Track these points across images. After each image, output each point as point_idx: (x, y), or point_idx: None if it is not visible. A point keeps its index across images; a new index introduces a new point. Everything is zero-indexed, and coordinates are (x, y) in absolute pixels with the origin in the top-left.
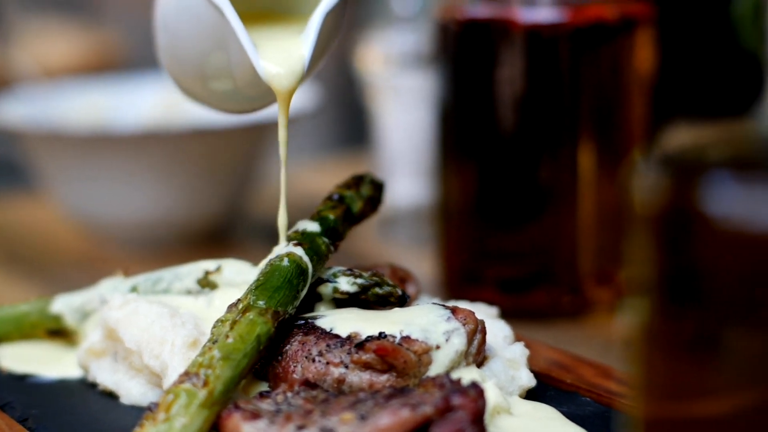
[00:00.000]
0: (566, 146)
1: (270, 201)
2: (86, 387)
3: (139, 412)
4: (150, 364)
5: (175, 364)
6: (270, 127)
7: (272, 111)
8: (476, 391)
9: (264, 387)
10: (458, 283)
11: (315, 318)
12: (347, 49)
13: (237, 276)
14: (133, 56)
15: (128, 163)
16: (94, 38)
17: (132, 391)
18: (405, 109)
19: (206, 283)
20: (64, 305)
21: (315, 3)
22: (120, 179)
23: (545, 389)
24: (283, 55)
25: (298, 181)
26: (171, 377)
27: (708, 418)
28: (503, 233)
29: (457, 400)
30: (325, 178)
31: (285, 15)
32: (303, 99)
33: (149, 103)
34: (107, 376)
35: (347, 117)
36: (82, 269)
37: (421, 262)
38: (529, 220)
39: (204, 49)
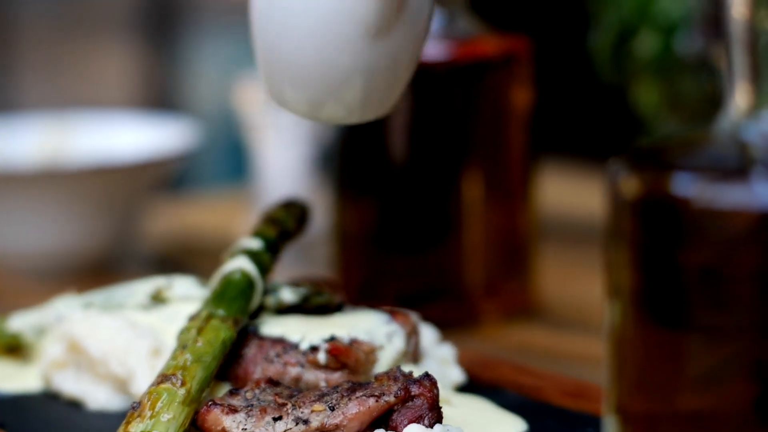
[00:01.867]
0: (454, 177)
1: (155, 233)
2: (49, 398)
3: (105, 416)
4: (117, 371)
5: (142, 370)
6: (153, 166)
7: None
8: (431, 381)
9: (227, 387)
10: (357, 300)
11: (266, 326)
12: (227, 90)
13: (187, 291)
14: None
15: (23, 201)
16: None
17: (98, 397)
18: (284, 145)
19: (158, 298)
20: (22, 323)
21: None
22: (14, 215)
23: (473, 385)
24: None
25: (181, 215)
26: (138, 382)
27: (687, 413)
28: (400, 257)
29: (415, 389)
30: (208, 212)
31: None
32: (184, 137)
33: (34, 143)
34: (71, 385)
35: (227, 154)
36: None
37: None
38: (424, 245)
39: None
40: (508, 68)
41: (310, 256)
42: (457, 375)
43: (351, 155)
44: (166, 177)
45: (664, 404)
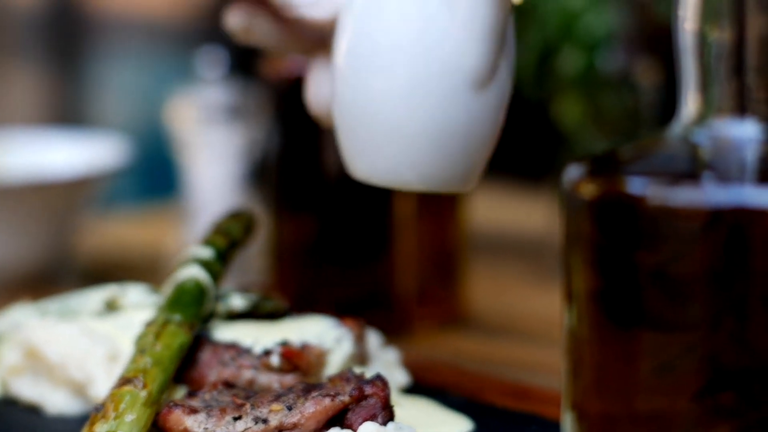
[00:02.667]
0: (387, 192)
1: (87, 249)
2: (7, 404)
3: (64, 420)
4: (75, 376)
5: (99, 374)
6: (86, 182)
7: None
8: (382, 381)
9: (183, 390)
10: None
11: (218, 331)
12: (156, 107)
13: (140, 298)
14: None
15: None
16: None
17: (56, 402)
18: (216, 161)
19: (112, 306)
20: None
21: None
22: None
23: (418, 387)
24: None
25: (112, 232)
26: (96, 386)
27: (643, 412)
28: (334, 268)
29: (369, 389)
30: (136, 228)
31: None
32: (112, 154)
33: None
34: (29, 390)
35: (156, 170)
36: None
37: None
38: (358, 257)
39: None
40: None
41: (245, 267)
42: (403, 377)
43: (287, 171)
44: (97, 193)
45: (620, 404)
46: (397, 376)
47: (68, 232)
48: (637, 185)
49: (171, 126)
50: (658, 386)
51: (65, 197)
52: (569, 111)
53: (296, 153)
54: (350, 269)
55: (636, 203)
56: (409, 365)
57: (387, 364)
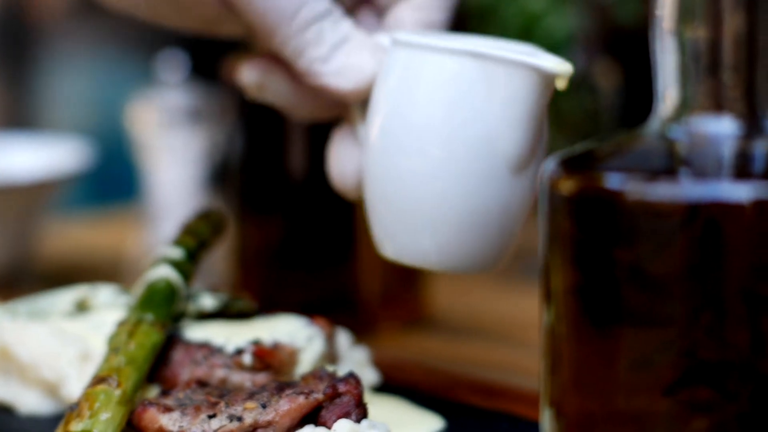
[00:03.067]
0: None
1: (48, 252)
2: None
3: (37, 420)
4: (47, 376)
5: (71, 374)
6: (48, 185)
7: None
8: (355, 379)
9: (155, 389)
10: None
11: (189, 330)
12: (116, 110)
13: (110, 298)
14: None
15: None
16: None
17: (28, 402)
18: (176, 165)
19: (82, 306)
20: None
21: None
22: None
23: (388, 386)
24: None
25: (70, 235)
26: (69, 386)
27: (621, 410)
28: (299, 271)
29: (342, 387)
30: (97, 231)
31: None
32: (72, 158)
33: None
34: (1, 390)
35: (116, 174)
36: None
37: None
38: (323, 259)
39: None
40: None
41: (210, 270)
42: (372, 376)
43: (251, 173)
44: (57, 197)
45: (598, 401)
46: (368, 375)
47: (28, 235)
48: (614, 181)
49: (132, 129)
50: (636, 382)
51: (25, 201)
52: None
53: (260, 155)
54: (315, 271)
55: (614, 198)
56: (379, 364)
57: (357, 363)
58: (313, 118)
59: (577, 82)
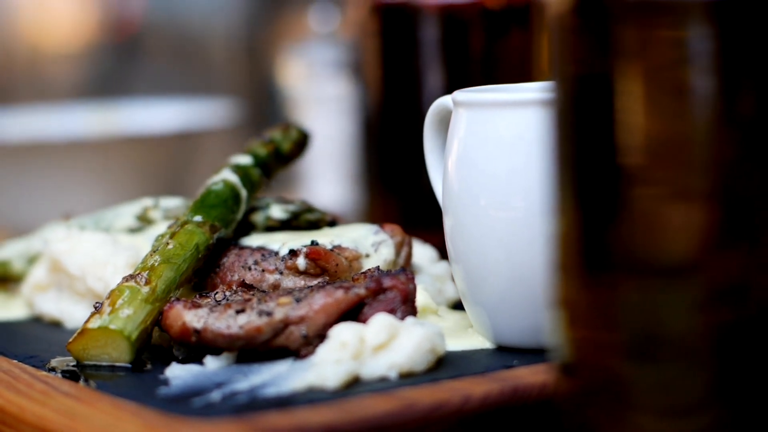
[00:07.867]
0: None
1: None
2: (33, 322)
3: None
4: (94, 286)
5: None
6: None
7: None
8: (406, 275)
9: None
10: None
11: (249, 238)
12: (267, 64)
13: (173, 211)
14: None
15: None
16: None
17: (76, 315)
18: (327, 118)
19: (145, 219)
20: (10, 251)
21: None
22: None
23: None
24: None
25: None
26: None
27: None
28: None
29: (388, 282)
30: None
31: None
32: (224, 112)
33: None
34: (52, 305)
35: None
36: None
37: None
38: None
39: None
40: (537, 16)
41: None
42: (453, 291)
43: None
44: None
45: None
46: (447, 290)
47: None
48: None
49: (282, 84)
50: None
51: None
52: None
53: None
54: None
55: None
56: None
57: (436, 277)
58: None
59: None
